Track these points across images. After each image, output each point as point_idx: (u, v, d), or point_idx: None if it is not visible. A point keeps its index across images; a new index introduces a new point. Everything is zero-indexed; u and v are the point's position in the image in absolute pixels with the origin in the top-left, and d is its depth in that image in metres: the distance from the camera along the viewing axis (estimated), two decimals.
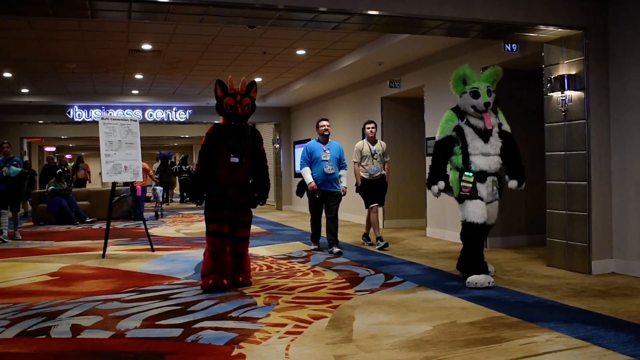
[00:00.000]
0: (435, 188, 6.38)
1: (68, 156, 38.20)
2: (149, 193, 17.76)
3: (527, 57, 8.16)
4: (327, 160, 8.41)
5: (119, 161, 8.94)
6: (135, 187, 13.84)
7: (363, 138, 9.19)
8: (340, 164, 8.58)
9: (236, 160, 6.02)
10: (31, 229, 13.26)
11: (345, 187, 8.59)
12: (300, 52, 11.27)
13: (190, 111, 17.84)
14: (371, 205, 9.01)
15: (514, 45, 8.00)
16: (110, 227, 8.97)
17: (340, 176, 8.55)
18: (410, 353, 3.90)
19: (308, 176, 8.45)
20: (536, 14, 6.62)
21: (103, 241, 8.70)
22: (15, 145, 20.09)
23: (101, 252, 8.57)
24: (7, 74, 13.16)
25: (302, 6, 5.93)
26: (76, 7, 6.04)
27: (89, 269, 7.52)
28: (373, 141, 9.05)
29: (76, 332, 4.52)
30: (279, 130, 18.91)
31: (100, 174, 9.81)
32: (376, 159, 8.94)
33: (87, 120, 17.22)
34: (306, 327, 4.56)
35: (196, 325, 4.64)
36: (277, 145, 19.03)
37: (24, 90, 15.61)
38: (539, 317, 4.76)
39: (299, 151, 17.87)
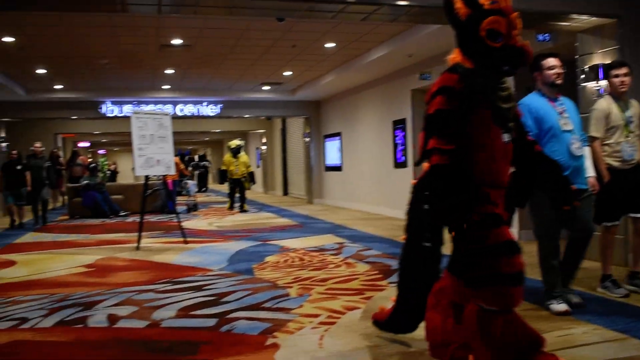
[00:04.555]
0: None
1: (101, 151, 38.73)
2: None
3: (560, 47, 8.02)
4: (569, 131, 4.67)
5: (151, 155, 9.04)
6: (167, 181, 14.05)
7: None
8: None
9: (507, 138, 3.23)
10: (66, 222, 13.49)
11: (593, 177, 4.92)
12: (330, 45, 11.24)
13: (220, 105, 17.93)
14: (607, 224, 5.27)
15: (546, 34, 7.89)
16: (144, 220, 9.08)
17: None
18: None
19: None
20: (570, 1, 6.52)
21: (137, 234, 8.82)
22: (50, 140, 20.41)
23: (135, 245, 8.69)
24: (41, 70, 13.38)
25: None
26: (106, 1, 6.13)
27: (124, 260, 7.63)
28: (624, 100, 5.21)
29: (112, 322, 4.60)
30: (309, 124, 18.88)
31: (132, 168, 9.91)
32: (632, 132, 5.12)
33: (119, 115, 17.41)
34: (339, 318, 4.57)
35: (230, 316, 4.68)
36: (307, 139, 19.04)
37: (58, 87, 15.87)
38: (575, 309, 4.69)
39: (329, 145, 17.76)
